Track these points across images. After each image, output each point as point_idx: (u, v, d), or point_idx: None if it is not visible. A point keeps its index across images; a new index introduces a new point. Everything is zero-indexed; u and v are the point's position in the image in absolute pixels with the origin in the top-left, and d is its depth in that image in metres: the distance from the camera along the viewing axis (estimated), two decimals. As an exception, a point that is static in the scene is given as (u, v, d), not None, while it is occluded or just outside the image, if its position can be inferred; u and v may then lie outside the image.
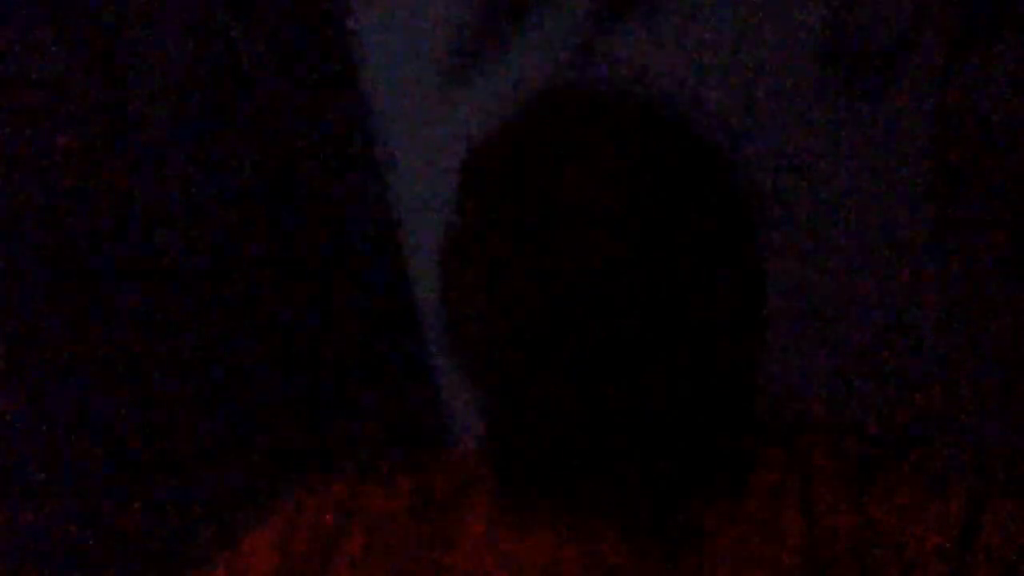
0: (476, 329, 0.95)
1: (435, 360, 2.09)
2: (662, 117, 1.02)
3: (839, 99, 1.83)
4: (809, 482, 0.97)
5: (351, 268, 2.09)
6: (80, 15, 1.91)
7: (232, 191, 2.02)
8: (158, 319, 1.97)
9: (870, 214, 1.85)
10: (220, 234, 2.03)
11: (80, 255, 1.94)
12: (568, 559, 0.97)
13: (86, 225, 1.95)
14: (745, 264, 1.01)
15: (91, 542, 1.86)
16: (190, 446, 1.97)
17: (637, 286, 0.95)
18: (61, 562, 1.86)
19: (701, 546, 0.95)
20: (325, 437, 2.04)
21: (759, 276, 1.03)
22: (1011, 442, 1.83)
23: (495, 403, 0.99)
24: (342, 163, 2.05)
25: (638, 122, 1.00)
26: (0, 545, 1.84)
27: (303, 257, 2.10)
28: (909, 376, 1.85)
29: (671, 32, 1.80)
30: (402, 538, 1.04)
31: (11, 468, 1.85)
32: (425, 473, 1.08)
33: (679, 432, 0.98)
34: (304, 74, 2.06)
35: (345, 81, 2.03)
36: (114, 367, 1.93)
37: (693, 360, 0.98)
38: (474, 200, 0.98)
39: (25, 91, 1.88)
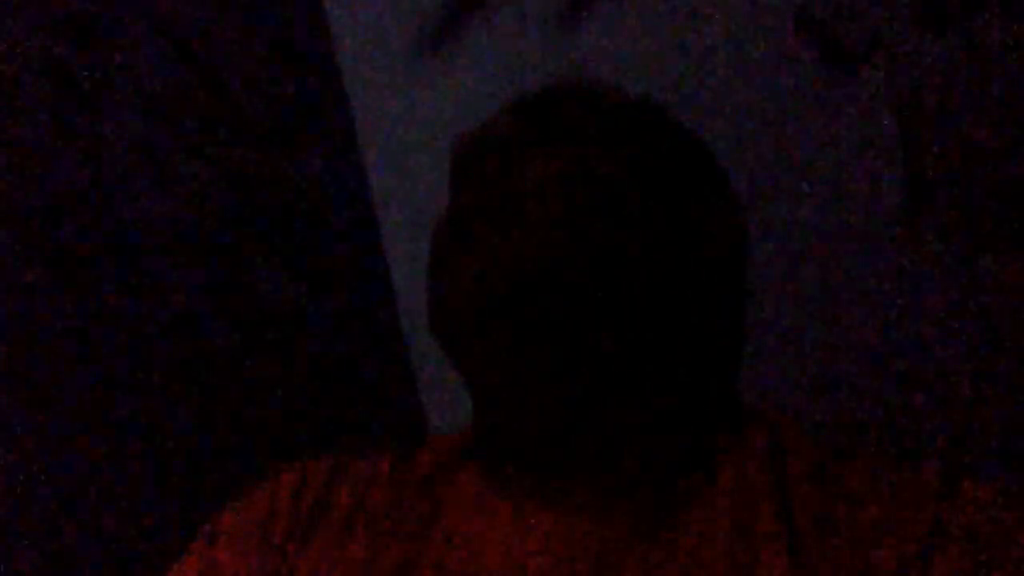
0: (461, 311, 0.96)
1: (415, 358, 2.09)
2: (648, 113, 1.04)
3: (812, 78, 1.85)
4: (784, 469, 0.98)
5: (331, 262, 2.08)
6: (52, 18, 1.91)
7: (206, 183, 2.02)
8: (132, 311, 1.97)
9: (841, 198, 1.86)
10: (199, 228, 2.02)
11: (57, 258, 1.94)
12: (564, 528, 0.97)
13: (59, 228, 1.94)
14: (729, 257, 1.02)
15: (70, 537, 1.86)
16: (167, 438, 1.96)
17: (620, 273, 0.96)
18: (34, 557, 1.86)
19: (675, 525, 0.96)
20: (304, 434, 2.03)
21: (742, 267, 1.04)
22: (984, 428, 1.83)
23: (479, 385, 1.00)
24: (321, 156, 2.05)
25: (625, 117, 1.02)
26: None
27: (283, 251, 2.10)
28: (883, 365, 1.86)
29: (643, 14, 1.81)
30: (386, 505, 1.04)
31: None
32: (408, 450, 1.09)
33: (661, 413, 0.99)
34: (280, 61, 2.06)
35: (324, 70, 2.03)
36: (99, 366, 1.93)
37: (675, 343, 0.99)
38: (463, 189, 1.00)
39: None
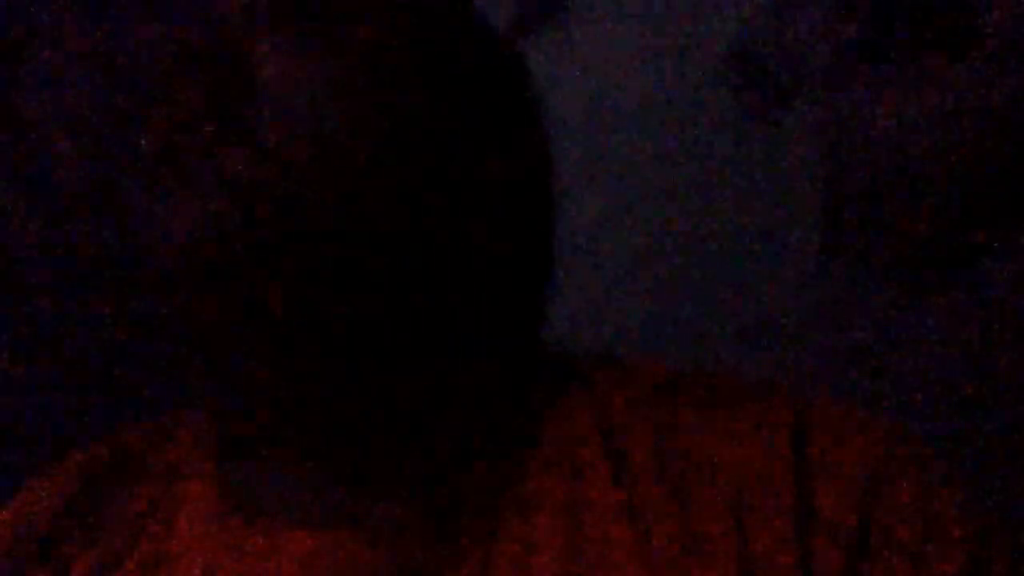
0: (177, 259, 0.72)
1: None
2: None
3: (735, 117, 1.85)
4: (607, 415, 0.79)
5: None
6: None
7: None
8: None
9: (762, 236, 1.87)
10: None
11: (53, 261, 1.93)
12: (328, 550, 0.75)
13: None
14: (522, 180, 0.79)
15: None
16: None
17: (379, 202, 0.73)
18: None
19: (492, 509, 0.75)
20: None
21: (540, 191, 0.81)
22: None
23: (205, 356, 0.76)
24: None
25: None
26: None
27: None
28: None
29: (578, 38, 1.81)
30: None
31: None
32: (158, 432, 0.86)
33: (445, 383, 0.77)
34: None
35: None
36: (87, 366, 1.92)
37: (454, 287, 0.77)
38: (178, 95, 0.75)
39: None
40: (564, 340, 0.86)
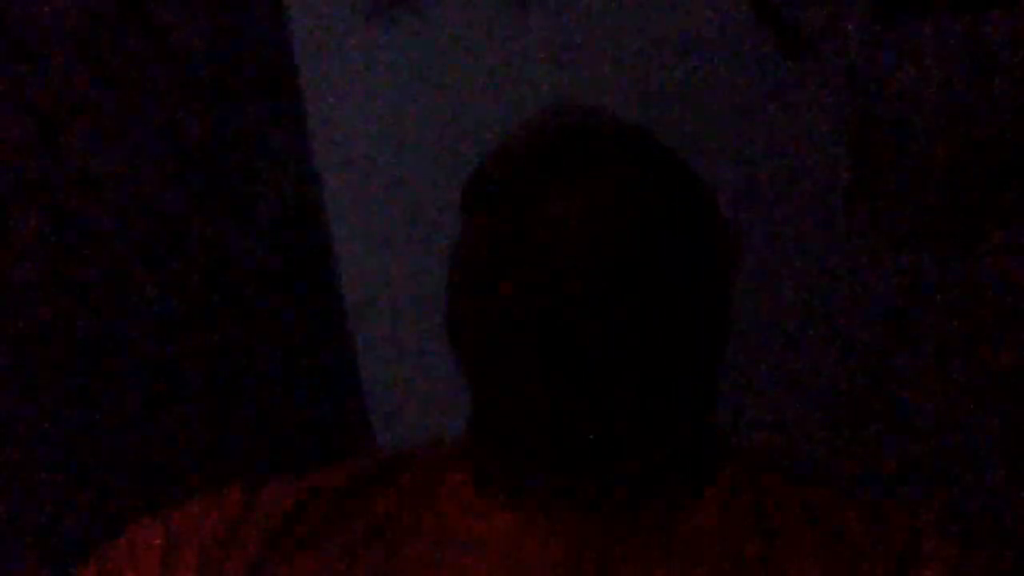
0: (488, 329, 1.04)
1: (361, 357, 2.02)
2: (645, 141, 1.12)
3: (766, 65, 1.85)
4: (762, 497, 1.07)
5: (281, 272, 2.03)
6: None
7: (147, 144, 1.94)
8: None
9: (788, 185, 1.87)
10: (139, 189, 1.94)
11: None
12: (565, 528, 1.04)
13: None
14: (715, 289, 1.10)
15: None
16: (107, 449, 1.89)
17: (619, 300, 1.05)
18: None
19: (662, 540, 1.03)
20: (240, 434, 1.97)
21: (726, 303, 1.12)
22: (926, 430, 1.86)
23: (492, 394, 1.06)
24: (275, 164, 1.99)
25: (625, 146, 1.10)
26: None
27: (229, 257, 2.01)
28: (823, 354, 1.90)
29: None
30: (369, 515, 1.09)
31: None
32: (385, 461, 1.14)
33: (648, 438, 1.08)
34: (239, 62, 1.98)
35: (283, 74, 1.97)
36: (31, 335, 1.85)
37: (666, 374, 1.08)
38: (485, 218, 1.07)
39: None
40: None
